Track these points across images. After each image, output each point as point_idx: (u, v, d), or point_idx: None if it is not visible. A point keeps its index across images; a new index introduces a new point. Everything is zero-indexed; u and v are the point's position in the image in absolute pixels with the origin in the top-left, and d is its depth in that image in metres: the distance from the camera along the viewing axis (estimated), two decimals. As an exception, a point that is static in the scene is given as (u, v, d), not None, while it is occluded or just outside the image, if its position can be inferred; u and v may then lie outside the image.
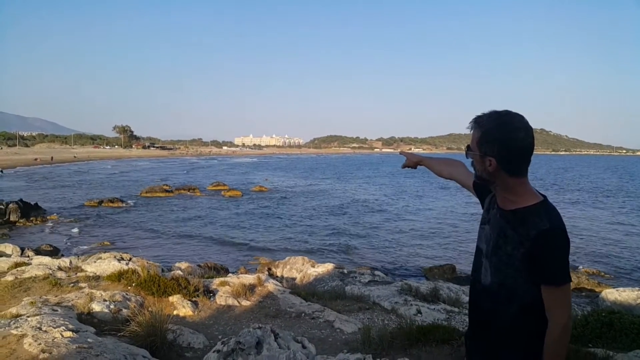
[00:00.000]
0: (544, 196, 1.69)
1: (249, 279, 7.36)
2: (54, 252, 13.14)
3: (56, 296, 5.42)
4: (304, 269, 10.60)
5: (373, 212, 26.89)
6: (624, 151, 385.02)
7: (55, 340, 3.66)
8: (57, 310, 4.64)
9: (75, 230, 18.96)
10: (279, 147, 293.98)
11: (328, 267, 10.29)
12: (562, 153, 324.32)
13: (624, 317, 4.63)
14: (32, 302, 4.88)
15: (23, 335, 3.61)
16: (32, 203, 22.85)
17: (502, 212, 1.74)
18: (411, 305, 6.35)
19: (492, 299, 1.74)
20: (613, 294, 7.85)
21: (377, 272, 10.91)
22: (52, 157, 75.28)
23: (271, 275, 10.63)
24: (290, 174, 63.43)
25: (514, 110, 1.69)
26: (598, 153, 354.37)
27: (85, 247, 15.75)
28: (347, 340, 4.93)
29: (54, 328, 3.89)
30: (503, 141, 1.62)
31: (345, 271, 10.32)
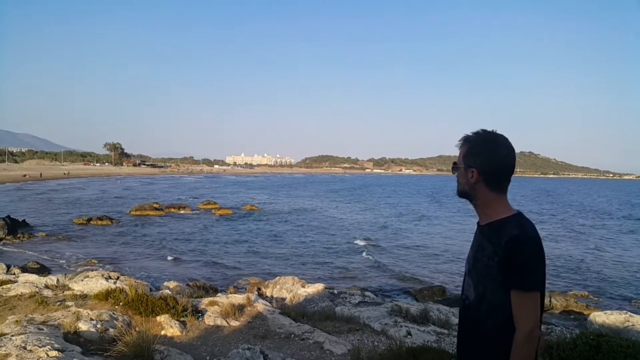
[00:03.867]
0: (519, 211, 1.78)
1: (238, 299, 7.31)
2: (41, 270, 12.92)
3: (42, 315, 5.34)
4: (294, 289, 10.54)
5: (363, 232, 26.86)
6: (611, 175, 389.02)
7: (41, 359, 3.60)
8: (42, 329, 4.57)
9: (63, 248, 18.72)
10: (270, 166, 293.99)
11: (318, 287, 10.25)
12: (550, 176, 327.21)
13: (612, 340, 4.65)
14: (17, 321, 4.81)
15: (7, 355, 3.55)
16: (20, 220, 22.59)
17: (480, 228, 1.85)
18: (401, 326, 6.34)
19: (474, 313, 1.79)
20: (601, 317, 7.88)
21: (367, 293, 10.89)
22: (40, 174, 74.66)
23: (261, 295, 10.54)
24: (281, 193, 63.32)
25: (503, 132, 1.82)
26: (586, 176, 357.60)
27: (72, 265, 15.54)
28: (337, 361, 4.90)
29: (39, 347, 3.83)
30: (485, 154, 1.76)
31: (336, 292, 10.29)
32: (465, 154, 1.81)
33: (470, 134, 1.84)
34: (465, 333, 1.86)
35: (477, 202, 1.83)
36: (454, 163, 1.88)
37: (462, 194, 1.88)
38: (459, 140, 1.87)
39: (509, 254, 1.64)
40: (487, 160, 1.76)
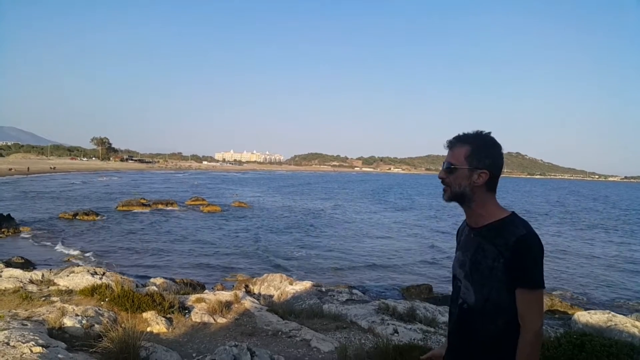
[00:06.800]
0: (513, 211, 1.80)
1: (225, 295, 7.29)
2: (26, 265, 12.78)
3: (26, 310, 5.28)
4: (281, 287, 10.54)
5: (351, 231, 26.92)
6: (597, 176, 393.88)
7: (24, 356, 3.56)
8: (26, 325, 4.51)
9: (49, 242, 18.51)
10: (259, 163, 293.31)
11: (306, 284, 10.26)
12: (537, 177, 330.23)
13: (595, 340, 4.71)
14: (0, 316, 4.74)
15: (-10, 351, 3.50)
16: (4, 214, 22.27)
17: (476, 230, 1.82)
18: (388, 324, 6.37)
19: (478, 315, 1.76)
20: (585, 317, 7.99)
21: (354, 291, 10.92)
22: (28, 168, 73.62)
23: (248, 292, 10.53)
24: (271, 190, 63.18)
25: (491, 132, 1.83)
26: (572, 177, 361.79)
27: (58, 260, 15.37)
28: (324, 359, 4.91)
29: (23, 343, 3.79)
30: (494, 157, 1.77)
31: (323, 289, 10.30)
32: (471, 154, 1.77)
33: (467, 134, 1.81)
34: (466, 338, 1.83)
35: (472, 204, 1.80)
36: (449, 164, 1.80)
37: (456, 196, 1.81)
38: (451, 140, 1.82)
39: (518, 253, 1.64)
40: (495, 162, 1.77)
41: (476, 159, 1.76)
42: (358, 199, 55.43)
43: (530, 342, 1.64)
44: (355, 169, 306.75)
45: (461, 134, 1.83)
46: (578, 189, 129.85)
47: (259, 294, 10.75)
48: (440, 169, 1.88)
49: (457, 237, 2.02)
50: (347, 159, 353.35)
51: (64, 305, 5.49)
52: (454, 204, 1.85)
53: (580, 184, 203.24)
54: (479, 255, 1.76)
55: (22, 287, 6.59)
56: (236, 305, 6.83)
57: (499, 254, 1.68)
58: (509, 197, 72.03)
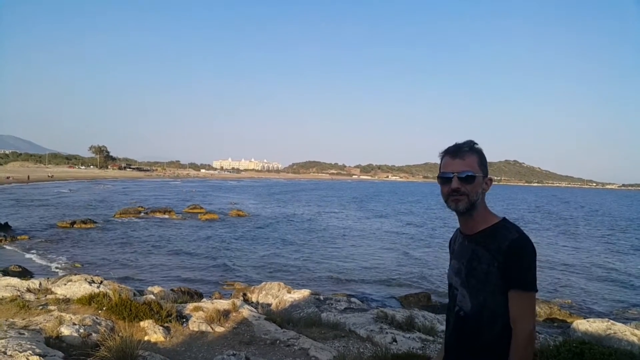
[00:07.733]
0: (504, 217, 1.84)
1: (223, 304, 7.27)
2: (23, 274, 12.72)
3: (23, 319, 5.25)
4: (279, 295, 10.50)
5: (349, 239, 26.90)
6: (594, 184, 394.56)
7: (21, 365, 3.54)
8: (23, 334, 4.49)
9: (47, 251, 18.44)
10: (257, 171, 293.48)
11: (304, 293, 10.21)
12: (534, 184, 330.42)
13: (594, 348, 4.71)
14: (-3, 325, 4.72)
15: (-13, 360, 3.49)
16: (2, 222, 22.21)
17: (470, 237, 1.84)
18: (387, 333, 6.35)
19: (474, 322, 1.77)
20: (584, 325, 7.96)
21: (353, 299, 10.88)
22: (28, 176, 73.45)
23: (246, 300, 10.49)
24: (268, 198, 63.12)
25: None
26: (569, 185, 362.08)
27: (55, 268, 15.31)
28: (322, 368, 4.88)
29: (20, 352, 3.77)
30: (486, 163, 1.84)
31: (322, 298, 10.27)
32: (480, 162, 1.80)
33: (471, 142, 1.82)
34: (463, 345, 1.83)
35: (475, 211, 1.81)
36: (469, 172, 1.76)
37: (472, 206, 1.79)
38: (464, 149, 1.80)
39: (512, 256, 1.67)
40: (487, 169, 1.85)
41: (484, 167, 1.81)
42: (353, 206, 55.37)
43: (524, 345, 1.65)
44: (353, 177, 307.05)
45: (461, 143, 1.83)
46: (574, 198, 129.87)
47: (257, 302, 10.71)
48: (442, 178, 1.83)
49: (450, 246, 2.03)
50: (345, 167, 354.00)
51: (62, 314, 5.46)
52: (448, 213, 1.86)
53: (576, 192, 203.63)
54: (474, 262, 1.78)
55: (19, 296, 6.56)
56: (234, 314, 6.80)
57: (493, 258, 1.70)
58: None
